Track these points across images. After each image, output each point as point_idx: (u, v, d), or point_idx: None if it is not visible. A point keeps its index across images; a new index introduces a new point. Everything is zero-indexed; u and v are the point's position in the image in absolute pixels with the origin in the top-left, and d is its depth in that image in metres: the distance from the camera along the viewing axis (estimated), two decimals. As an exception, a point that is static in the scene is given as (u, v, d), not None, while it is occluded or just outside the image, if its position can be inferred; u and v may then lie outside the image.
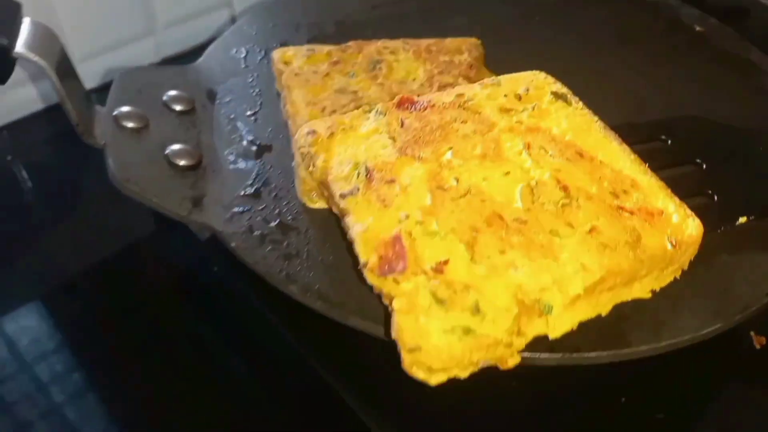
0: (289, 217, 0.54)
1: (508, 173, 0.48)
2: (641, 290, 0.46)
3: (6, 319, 0.55)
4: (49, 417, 0.48)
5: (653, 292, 0.46)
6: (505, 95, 0.56)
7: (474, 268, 0.42)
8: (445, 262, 0.42)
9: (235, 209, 0.54)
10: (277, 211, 0.54)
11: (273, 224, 0.53)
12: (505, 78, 0.58)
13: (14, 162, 0.69)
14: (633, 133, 0.55)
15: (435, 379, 0.40)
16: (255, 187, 0.56)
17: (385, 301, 0.43)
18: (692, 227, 0.46)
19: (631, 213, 0.46)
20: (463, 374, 0.41)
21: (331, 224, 0.51)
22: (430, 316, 0.40)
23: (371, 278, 0.43)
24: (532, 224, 0.44)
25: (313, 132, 0.53)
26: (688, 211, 0.46)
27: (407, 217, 0.45)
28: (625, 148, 0.51)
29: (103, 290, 0.60)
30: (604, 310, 0.44)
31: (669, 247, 0.44)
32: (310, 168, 0.52)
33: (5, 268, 0.59)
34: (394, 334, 0.41)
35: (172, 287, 0.61)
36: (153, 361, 0.54)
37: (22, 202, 0.67)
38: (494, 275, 0.42)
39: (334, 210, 0.50)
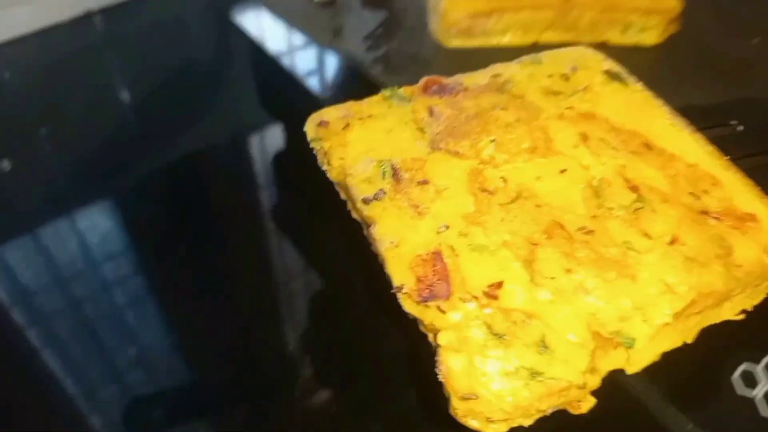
0: (424, 53, 0.57)
1: (564, 171, 0.40)
2: (731, 311, 0.38)
3: (80, 215, 0.55)
4: (109, 318, 0.47)
5: (745, 312, 0.38)
6: (549, 75, 0.47)
7: (536, 292, 0.34)
8: (499, 285, 0.35)
9: (372, 41, 0.58)
10: (412, 45, 0.58)
11: (409, 56, 0.56)
12: (546, 55, 0.50)
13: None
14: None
15: (493, 430, 0.32)
16: (389, 24, 0.60)
17: (428, 334, 0.35)
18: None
19: (717, 218, 0.38)
20: (527, 422, 0.33)
21: (469, 63, 0.48)
22: (486, 355, 0.32)
23: (409, 306, 0.35)
24: (600, 235, 0.37)
25: (325, 123, 0.45)
26: (784, 215, 0.39)
27: (447, 227, 0.37)
28: (699, 137, 0.43)
29: (172, 193, 0.58)
30: (690, 336, 0.37)
31: (766, 259, 0.37)
32: (324, 166, 0.43)
33: (80, 165, 0.58)
34: (441, 376, 0.33)
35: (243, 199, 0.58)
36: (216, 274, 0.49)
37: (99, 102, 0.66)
38: (561, 301, 0.34)
39: (356, 217, 0.42)
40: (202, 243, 0.52)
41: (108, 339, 0.46)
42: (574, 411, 0.34)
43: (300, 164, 0.49)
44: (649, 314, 0.34)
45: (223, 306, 0.48)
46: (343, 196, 0.44)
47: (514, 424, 0.33)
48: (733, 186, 0.40)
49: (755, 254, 0.36)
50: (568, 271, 0.35)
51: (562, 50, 0.50)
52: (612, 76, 0.47)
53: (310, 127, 0.45)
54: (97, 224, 0.54)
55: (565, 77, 0.47)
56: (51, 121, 0.62)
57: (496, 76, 0.47)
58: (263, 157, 0.63)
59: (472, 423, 0.32)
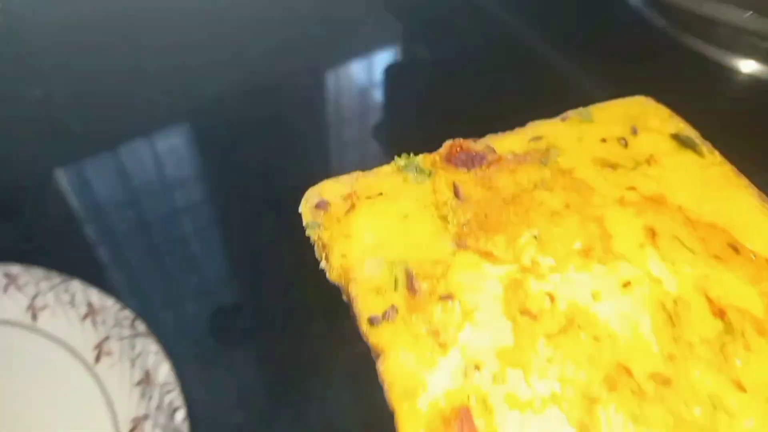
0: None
1: (628, 285, 0.31)
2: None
3: (159, 137, 0.53)
4: (175, 244, 0.46)
5: None
6: (603, 140, 0.38)
7: (596, 475, 0.26)
8: (547, 462, 0.26)
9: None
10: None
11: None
12: (598, 109, 0.40)
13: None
14: None
15: None
16: None
17: None
18: None
19: (831, 357, 0.29)
20: None
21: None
22: None
23: (427, 488, 0.26)
24: (679, 385, 0.28)
25: (324, 204, 0.36)
26: None
27: (477, 368, 0.29)
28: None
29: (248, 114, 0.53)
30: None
31: None
32: (323, 263, 0.35)
33: (159, 86, 0.55)
34: None
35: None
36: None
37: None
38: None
39: (364, 335, 0.33)
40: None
41: (173, 263, 0.45)
42: None
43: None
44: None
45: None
46: (346, 298, 0.35)
47: None
48: None
49: None
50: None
51: (617, 102, 0.41)
52: (682, 141, 0.38)
53: (305, 209, 0.36)
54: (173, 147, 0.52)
55: (623, 143, 0.38)
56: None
57: (536, 139, 0.38)
58: (337, 85, 0.59)
59: None
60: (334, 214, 0.35)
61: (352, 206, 0.36)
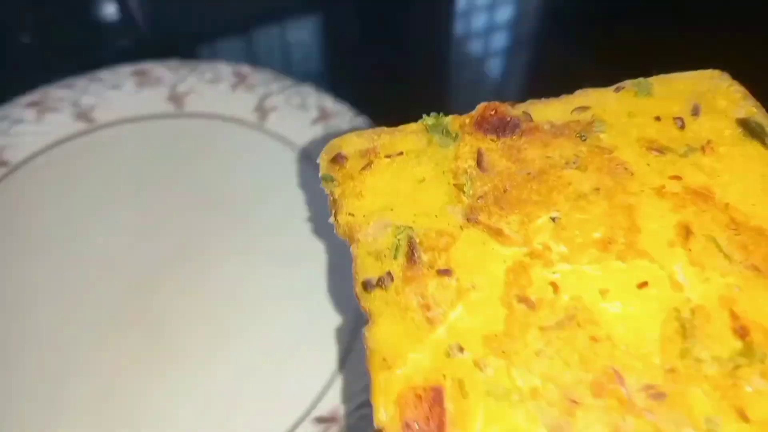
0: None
1: (644, 285, 0.29)
2: None
3: (288, 25, 0.58)
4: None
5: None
6: (657, 117, 0.34)
7: (561, 480, 0.25)
8: (514, 461, 0.25)
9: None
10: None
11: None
12: (660, 82, 0.36)
13: None
14: None
15: None
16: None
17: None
18: None
19: None
20: None
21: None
22: None
23: (386, 458, 0.27)
24: (674, 402, 0.26)
25: (342, 158, 0.35)
26: None
27: (461, 350, 0.28)
28: None
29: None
30: None
31: None
32: (331, 218, 0.34)
33: None
34: None
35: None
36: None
37: None
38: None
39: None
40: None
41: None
42: None
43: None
44: None
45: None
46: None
47: None
48: None
49: None
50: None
51: (685, 75, 0.36)
52: (751, 129, 0.33)
53: (323, 161, 0.36)
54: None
55: (680, 123, 0.34)
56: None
57: (581, 109, 0.35)
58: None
59: None
60: (350, 171, 0.35)
61: (369, 163, 0.35)
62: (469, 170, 0.33)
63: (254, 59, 0.56)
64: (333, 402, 0.40)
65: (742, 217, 0.30)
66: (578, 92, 0.37)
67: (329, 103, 0.49)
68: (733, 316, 0.28)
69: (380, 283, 0.31)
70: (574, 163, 0.33)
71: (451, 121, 0.36)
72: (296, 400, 0.40)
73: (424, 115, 0.36)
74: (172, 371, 0.40)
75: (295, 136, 0.48)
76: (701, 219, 0.30)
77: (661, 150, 0.33)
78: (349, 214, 0.33)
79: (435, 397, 0.27)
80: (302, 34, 0.61)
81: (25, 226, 0.46)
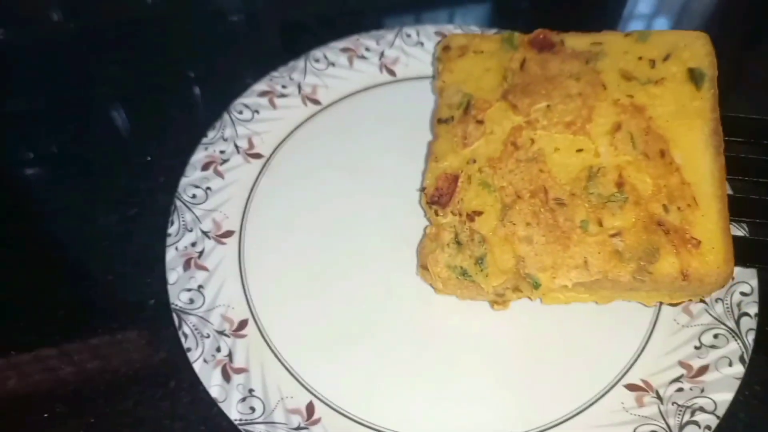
0: None
1: (580, 150, 0.54)
2: (646, 299, 0.53)
3: None
4: None
5: (659, 303, 0.53)
6: (640, 57, 0.56)
7: (498, 228, 0.53)
8: (479, 214, 0.54)
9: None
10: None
11: None
12: (657, 34, 0.57)
13: None
14: None
15: (437, 291, 0.56)
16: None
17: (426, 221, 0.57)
18: (720, 269, 0.49)
19: (667, 232, 0.50)
20: (461, 298, 0.56)
21: None
22: (444, 250, 0.54)
23: (423, 202, 0.57)
24: (568, 209, 0.52)
25: (448, 48, 0.62)
26: (728, 256, 0.49)
27: (474, 161, 0.56)
28: (720, 161, 0.52)
29: None
30: (602, 301, 0.53)
31: (680, 279, 0.49)
32: (434, 80, 0.62)
33: None
34: (418, 247, 0.57)
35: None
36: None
37: None
38: (509, 241, 0.53)
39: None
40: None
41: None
42: (493, 308, 0.55)
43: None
44: (558, 274, 0.51)
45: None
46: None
47: (449, 294, 0.56)
48: (706, 212, 0.50)
49: (671, 271, 0.49)
50: (528, 224, 0.53)
51: (676, 32, 0.57)
52: (693, 75, 0.55)
53: (438, 49, 0.63)
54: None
55: (652, 64, 0.56)
56: None
57: (596, 44, 0.58)
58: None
59: (424, 280, 0.56)
60: (451, 56, 0.61)
61: (462, 53, 0.61)
62: (514, 69, 0.59)
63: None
64: (644, 372, 0.52)
65: (655, 127, 0.53)
66: (603, 32, 0.59)
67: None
68: (620, 176, 0.52)
69: (446, 120, 0.59)
70: (573, 75, 0.57)
71: (517, 36, 0.60)
72: (608, 367, 0.52)
73: (505, 31, 0.61)
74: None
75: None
76: (630, 122, 0.54)
77: (630, 78, 0.56)
78: (443, 81, 0.61)
79: (453, 178, 0.56)
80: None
81: (334, 155, 0.65)
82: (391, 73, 0.71)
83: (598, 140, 0.54)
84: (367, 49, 0.72)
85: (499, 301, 0.55)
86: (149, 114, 0.72)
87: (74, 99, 0.74)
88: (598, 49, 0.57)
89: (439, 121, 0.59)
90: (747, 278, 0.56)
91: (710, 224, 0.50)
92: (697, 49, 0.55)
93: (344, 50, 0.72)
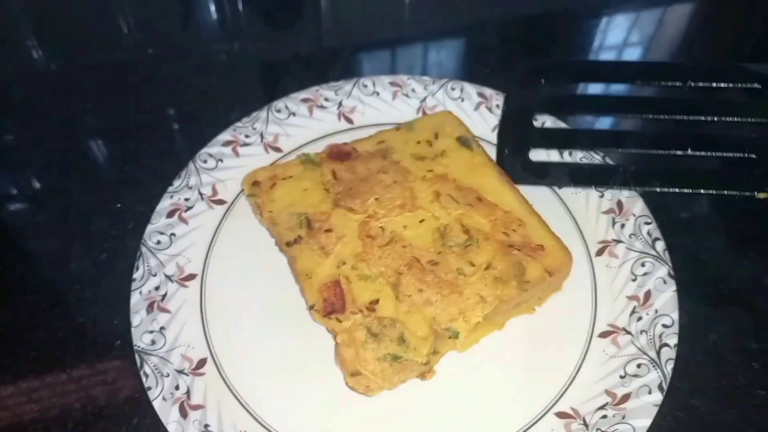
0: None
1: (423, 221, 0.62)
2: (527, 309, 0.62)
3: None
4: None
5: (536, 309, 0.63)
6: (418, 142, 0.69)
7: (399, 306, 0.56)
8: (376, 302, 0.57)
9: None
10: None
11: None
12: (418, 122, 0.71)
13: None
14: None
15: (372, 393, 0.55)
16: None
17: (331, 334, 0.57)
18: (565, 258, 0.62)
19: (519, 249, 0.61)
20: (392, 387, 0.56)
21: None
22: (366, 348, 0.54)
23: (317, 318, 0.56)
24: (442, 265, 0.59)
25: (258, 182, 0.65)
26: (563, 244, 0.63)
27: (344, 263, 0.59)
28: (515, 190, 0.66)
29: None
30: (500, 326, 0.61)
31: (547, 276, 0.60)
32: (258, 215, 0.64)
33: None
34: (337, 362, 0.55)
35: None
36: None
37: None
38: (415, 311, 0.56)
39: (282, 251, 0.62)
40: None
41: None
42: (424, 379, 0.57)
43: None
44: (468, 317, 0.57)
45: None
46: (271, 236, 0.64)
47: (385, 389, 0.55)
48: (531, 226, 0.63)
49: (540, 273, 0.60)
50: (420, 290, 0.57)
51: (431, 116, 0.72)
52: (462, 142, 0.69)
53: (246, 185, 0.65)
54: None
55: (429, 143, 0.69)
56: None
57: (380, 142, 0.69)
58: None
59: (357, 388, 0.55)
60: (264, 188, 0.64)
61: (274, 184, 0.65)
62: (330, 180, 0.65)
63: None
64: (573, 401, 0.56)
65: (462, 183, 0.66)
66: (378, 132, 0.70)
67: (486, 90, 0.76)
68: (462, 225, 0.62)
69: (297, 241, 0.61)
70: (382, 170, 0.66)
71: (315, 156, 0.67)
72: (541, 397, 0.56)
73: (300, 155, 0.67)
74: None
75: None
76: (444, 187, 0.65)
77: (422, 158, 0.67)
78: (269, 211, 0.63)
79: (335, 284, 0.57)
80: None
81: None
82: (349, 121, 0.77)
83: (430, 208, 0.63)
84: (326, 99, 0.78)
85: (426, 370, 0.57)
86: (123, 161, 0.77)
87: (51, 143, 0.79)
88: (385, 146, 0.68)
89: (287, 244, 0.61)
90: (669, 311, 0.61)
91: (540, 231, 0.63)
92: (452, 124, 0.71)
93: (304, 101, 0.77)
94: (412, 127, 0.71)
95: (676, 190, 0.68)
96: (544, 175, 0.70)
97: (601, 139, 0.74)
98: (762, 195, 0.64)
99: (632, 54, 0.95)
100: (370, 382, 0.54)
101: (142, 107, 0.82)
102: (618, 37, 0.97)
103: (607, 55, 0.94)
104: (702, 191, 0.67)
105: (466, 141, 0.70)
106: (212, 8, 0.98)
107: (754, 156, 0.66)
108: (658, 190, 0.68)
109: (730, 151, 0.67)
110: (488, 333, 0.60)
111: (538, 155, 0.73)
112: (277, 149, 0.74)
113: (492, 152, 0.72)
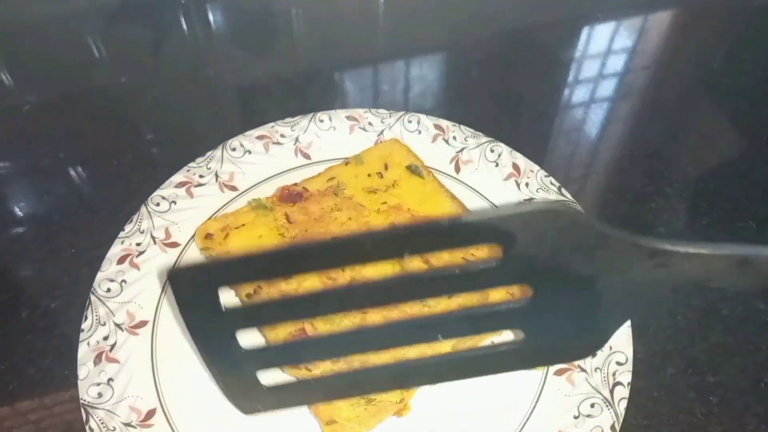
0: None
1: (381, 255, 0.63)
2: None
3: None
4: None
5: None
6: (369, 174, 0.70)
7: (366, 348, 0.57)
8: (344, 347, 0.57)
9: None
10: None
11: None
12: (366, 154, 0.73)
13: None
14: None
15: (350, 439, 0.56)
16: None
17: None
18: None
19: (478, 275, 0.63)
20: (371, 428, 0.57)
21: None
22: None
23: (290, 371, 0.57)
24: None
25: (210, 235, 0.65)
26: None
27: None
28: (469, 212, 0.68)
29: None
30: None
31: (510, 296, 0.62)
32: (214, 270, 0.64)
33: None
34: (311, 411, 0.56)
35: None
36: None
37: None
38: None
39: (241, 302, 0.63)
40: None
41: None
42: (400, 417, 0.58)
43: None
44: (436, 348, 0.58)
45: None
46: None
47: (362, 430, 0.56)
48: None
49: (502, 295, 0.62)
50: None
51: (379, 146, 0.73)
52: (412, 170, 0.71)
53: (199, 239, 0.65)
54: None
55: (380, 175, 0.70)
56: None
57: (331, 179, 0.70)
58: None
59: (336, 437, 0.55)
60: (217, 240, 0.65)
61: (227, 234, 0.65)
62: (284, 224, 0.66)
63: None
64: None
65: (417, 212, 0.67)
66: (327, 169, 0.71)
67: (521, 161, 0.74)
68: (421, 257, 0.63)
69: (256, 291, 0.61)
70: (335, 208, 0.67)
71: (265, 200, 0.67)
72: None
73: (249, 201, 0.68)
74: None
75: (487, 190, 0.72)
76: (399, 217, 0.66)
77: (374, 191, 0.69)
78: (226, 264, 0.63)
79: (301, 331, 0.58)
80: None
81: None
82: (306, 156, 0.77)
83: (387, 242, 0.64)
84: (282, 136, 0.78)
85: (401, 406, 0.58)
86: (76, 205, 0.76)
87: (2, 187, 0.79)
88: (336, 182, 0.69)
89: (247, 296, 0.61)
90: (623, 347, 0.60)
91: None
92: (400, 152, 0.73)
93: (260, 138, 0.77)
94: (361, 160, 0.72)
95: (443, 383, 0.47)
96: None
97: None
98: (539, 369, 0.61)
99: (616, 62, 0.97)
100: (346, 429, 0.55)
101: (101, 146, 0.82)
102: (602, 46, 1.00)
103: (590, 66, 0.97)
104: (473, 378, 0.45)
105: (416, 169, 0.71)
106: (185, 31, 0.99)
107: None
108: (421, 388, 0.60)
109: (489, 329, 0.45)
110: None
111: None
112: (233, 188, 0.74)
113: (445, 181, 0.73)
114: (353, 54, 0.98)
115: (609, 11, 1.04)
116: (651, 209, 0.75)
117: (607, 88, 0.93)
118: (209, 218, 0.68)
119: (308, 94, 0.89)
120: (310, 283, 0.55)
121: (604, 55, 0.98)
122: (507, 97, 0.90)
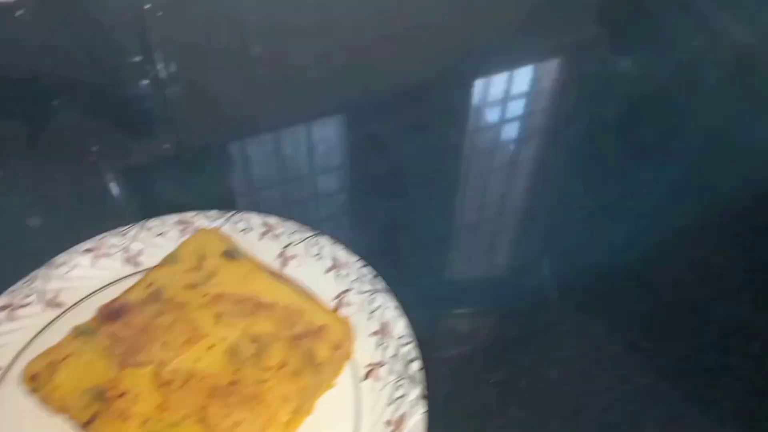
0: None
1: (212, 347, 0.67)
2: (327, 386, 0.69)
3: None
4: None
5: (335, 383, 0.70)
6: (186, 270, 0.74)
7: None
8: (192, 448, 0.60)
9: None
10: None
11: None
12: (179, 251, 0.76)
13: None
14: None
15: None
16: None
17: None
18: (346, 328, 0.70)
19: (305, 337, 0.68)
20: None
21: None
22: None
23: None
24: (242, 381, 0.64)
25: (36, 375, 0.66)
26: (339, 317, 0.71)
27: (148, 420, 0.62)
28: (288, 281, 0.74)
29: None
30: (310, 411, 0.67)
31: (335, 351, 0.68)
32: (48, 409, 0.65)
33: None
34: None
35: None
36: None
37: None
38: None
39: (83, 433, 0.64)
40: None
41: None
42: None
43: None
44: (276, 419, 0.62)
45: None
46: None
47: None
48: (310, 310, 0.71)
49: (327, 351, 0.67)
50: (227, 415, 0.62)
51: (188, 240, 0.77)
52: (228, 255, 0.76)
53: (26, 381, 0.66)
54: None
55: (197, 268, 0.74)
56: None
57: (149, 285, 0.73)
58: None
59: None
60: (44, 379, 0.65)
61: (53, 370, 0.66)
62: (110, 345, 0.68)
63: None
64: None
65: (239, 295, 0.72)
66: (145, 275, 0.74)
67: (341, 253, 0.77)
68: (250, 335, 0.68)
69: (92, 420, 0.63)
70: (159, 314, 0.70)
71: (88, 324, 0.69)
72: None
73: (72, 328, 0.69)
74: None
75: (311, 282, 0.76)
76: (223, 306, 0.70)
77: (194, 286, 0.73)
78: (57, 400, 0.64)
79: (146, 445, 0.60)
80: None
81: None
82: (136, 264, 0.78)
83: (215, 332, 0.68)
84: (111, 246, 0.78)
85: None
86: None
87: None
88: (155, 287, 0.73)
89: (85, 426, 0.63)
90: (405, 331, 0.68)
91: (319, 313, 0.71)
92: (212, 241, 0.77)
93: (87, 251, 0.77)
94: (175, 259, 0.76)
95: None
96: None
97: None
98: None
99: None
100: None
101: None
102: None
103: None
104: None
105: (231, 254, 0.76)
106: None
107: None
108: None
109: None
110: (301, 422, 0.66)
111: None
112: (59, 305, 0.75)
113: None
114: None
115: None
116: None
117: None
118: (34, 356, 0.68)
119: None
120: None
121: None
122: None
